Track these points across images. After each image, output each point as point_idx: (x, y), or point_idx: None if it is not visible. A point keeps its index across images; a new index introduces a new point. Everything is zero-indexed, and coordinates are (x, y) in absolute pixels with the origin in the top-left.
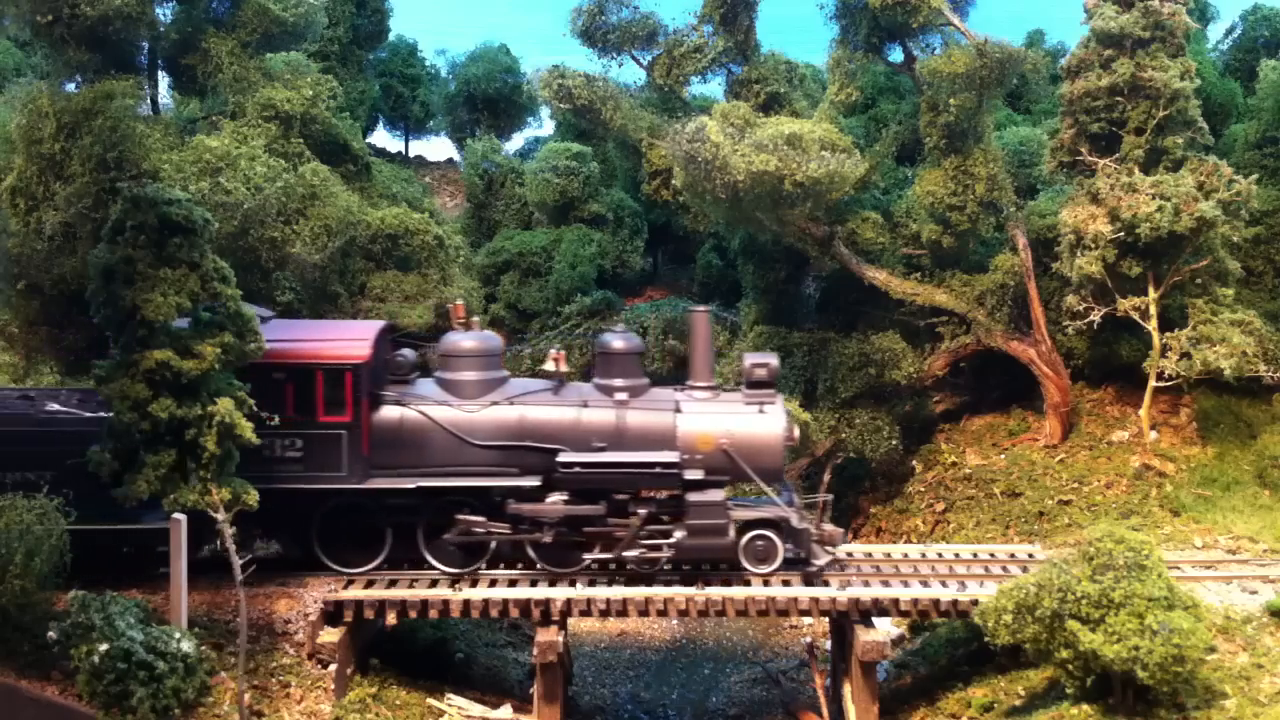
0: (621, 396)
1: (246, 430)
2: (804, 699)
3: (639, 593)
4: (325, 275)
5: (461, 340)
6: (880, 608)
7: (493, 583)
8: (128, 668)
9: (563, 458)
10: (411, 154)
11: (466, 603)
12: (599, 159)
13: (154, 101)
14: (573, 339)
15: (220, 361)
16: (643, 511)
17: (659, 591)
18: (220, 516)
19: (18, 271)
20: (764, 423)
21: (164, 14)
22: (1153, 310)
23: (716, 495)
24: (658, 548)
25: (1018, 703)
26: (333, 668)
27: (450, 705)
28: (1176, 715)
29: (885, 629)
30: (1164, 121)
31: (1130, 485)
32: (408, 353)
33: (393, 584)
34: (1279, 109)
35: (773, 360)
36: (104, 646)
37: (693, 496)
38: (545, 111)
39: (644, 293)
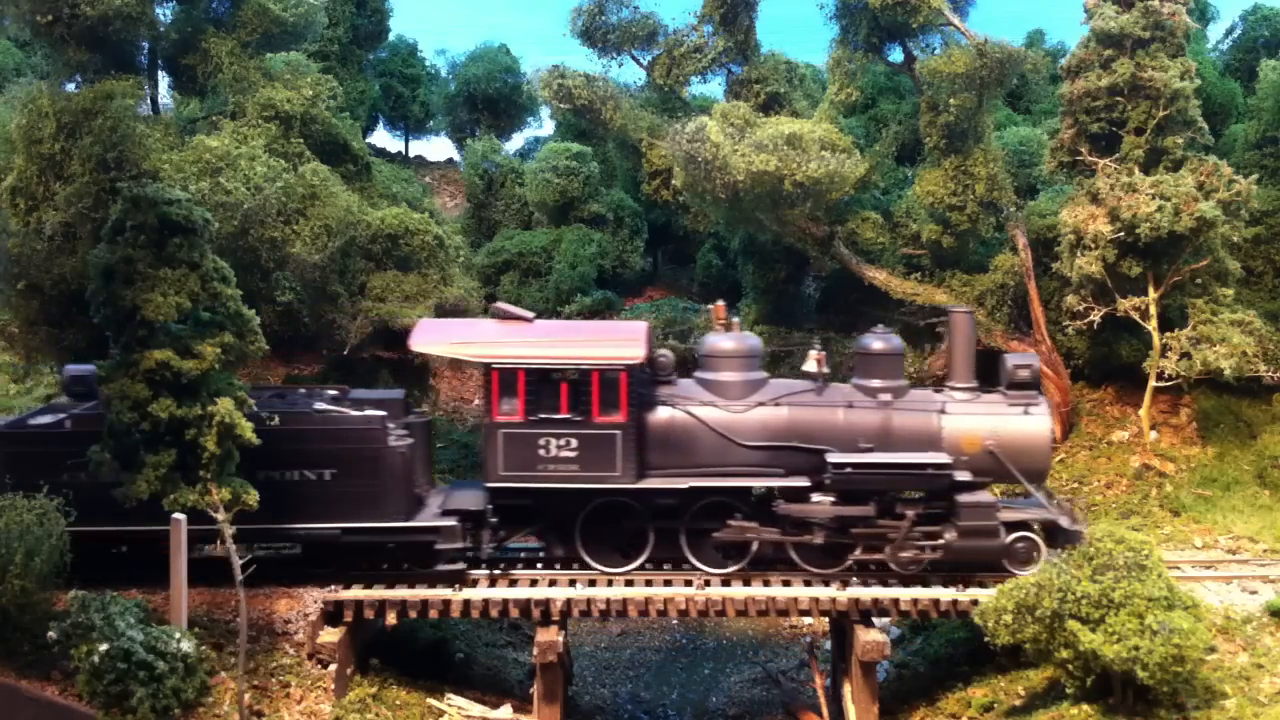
0: (885, 397)
1: (246, 430)
2: (804, 699)
3: (639, 593)
4: (325, 275)
5: (723, 341)
6: (880, 608)
7: (493, 583)
8: (128, 668)
9: (833, 458)
10: (411, 154)
11: (466, 603)
12: (599, 159)
13: (154, 101)
14: None
15: (220, 361)
16: (912, 513)
17: (659, 592)
18: (220, 516)
19: (18, 271)
20: (1030, 424)
21: (164, 14)
22: (1153, 310)
23: (988, 497)
24: (923, 549)
25: (1018, 703)
26: (333, 668)
27: (450, 705)
28: (1176, 715)
29: (885, 629)
30: (1164, 121)
31: (1130, 485)
32: (668, 353)
33: (393, 584)
34: (1279, 109)
35: (1035, 361)
36: (104, 646)
37: (964, 498)
38: (545, 111)
39: (644, 293)
